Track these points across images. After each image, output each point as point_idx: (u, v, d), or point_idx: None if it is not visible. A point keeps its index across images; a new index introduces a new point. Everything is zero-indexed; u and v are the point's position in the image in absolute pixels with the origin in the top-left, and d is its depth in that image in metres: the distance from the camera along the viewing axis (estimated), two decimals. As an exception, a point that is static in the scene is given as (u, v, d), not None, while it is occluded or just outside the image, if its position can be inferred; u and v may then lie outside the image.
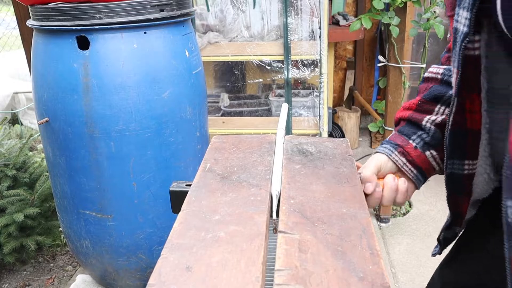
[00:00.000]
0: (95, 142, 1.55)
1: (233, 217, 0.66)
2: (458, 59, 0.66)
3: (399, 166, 0.87)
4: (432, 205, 2.75)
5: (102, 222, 1.68)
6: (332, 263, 0.55)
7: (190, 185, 0.84)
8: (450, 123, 0.73)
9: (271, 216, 0.70)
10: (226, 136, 1.01)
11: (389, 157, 0.87)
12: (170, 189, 0.88)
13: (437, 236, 0.92)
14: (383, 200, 0.85)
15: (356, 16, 3.39)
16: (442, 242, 0.90)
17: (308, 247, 0.58)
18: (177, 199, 0.86)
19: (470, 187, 0.75)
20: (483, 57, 0.64)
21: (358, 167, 0.89)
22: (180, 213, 0.68)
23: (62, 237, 2.27)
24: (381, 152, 0.89)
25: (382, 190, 0.85)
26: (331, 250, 0.58)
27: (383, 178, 0.87)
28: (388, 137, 0.92)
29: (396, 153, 0.87)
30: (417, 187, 0.90)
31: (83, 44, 1.48)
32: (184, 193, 0.82)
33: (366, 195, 0.83)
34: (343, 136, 3.23)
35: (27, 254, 2.12)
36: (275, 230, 0.66)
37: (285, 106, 1.14)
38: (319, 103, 2.35)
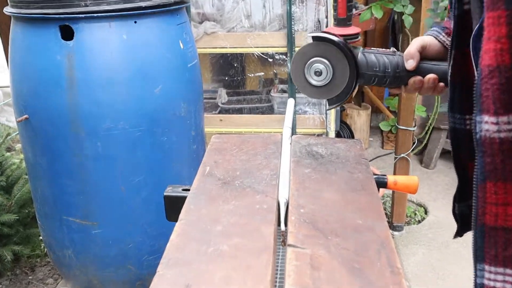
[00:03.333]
0: (80, 142, 1.54)
1: (237, 228, 0.65)
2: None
3: (447, 46, 0.90)
4: (450, 211, 2.74)
5: (87, 229, 1.66)
6: (348, 283, 0.54)
7: (186, 190, 0.83)
8: (449, 75, 0.77)
9: (279, 226, 0.69)
10: (227, 136, 1.00)
11: (436, 38, 0.92)
12: (165, 194, 0.87)
13: (453, 235, 0.92)
14: (423, 87, 0.92)
15: (366, 4, 3.38)
16: (459, 219, 0.90)
17: (321, 264, 0.57)
18: (172, 206, 0.86)
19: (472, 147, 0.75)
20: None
21: (374, 172, 0.88)
22: (177, 223, 0.67)
23: (42, 247, 2.26)
24: (428, 34, 0.94)
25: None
26: (346, 267, 0.57)
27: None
28: None
29: (443, 34, 0.91)
30: None
31: (67, 34, 1.46)
32: (180, 199, 0.80)
33: (407, 77, 0.92)
34: (352, 136, 3.22)
35: (3, 266, 2.10)
36: (284, 243, 0.64)
37: (291, 102, 1.13)
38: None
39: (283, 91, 2.64)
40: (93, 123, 1.51)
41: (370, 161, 3.32)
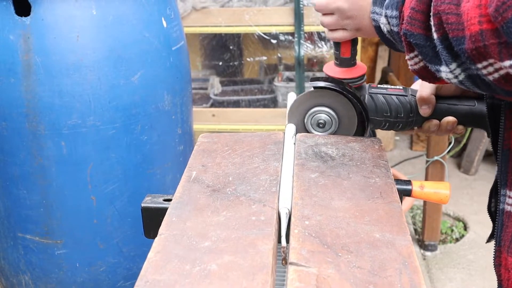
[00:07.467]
0: (40, 142, 1.55)
1: (229, 244, 0.66)
2: None
3: None
4: (494, 227, 2.75)
5: (49, 250, 1.67)
6: (361, 307, 0.56)
7: (169, 200, 0.85)
8: None
9: (279, 242, 0.70)
10: (218, 135, 1.01)
11: None
12: (142, 205, 0.88)
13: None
14: (439, 130, 0.99)
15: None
16: (495, 215, 0.94)
17: (329, 285, 0.59)
18: (151, 219, 0.87)
19: None
20: None
21: (396, 176, 0.89)
22: (156, 239, 0.69)
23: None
24: None
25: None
26: (360, 289, 0.58)
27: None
28: None
29: None
30: None
31: (23, 8, 1.48)
32: (161, 211, 0.82)
33: (421, 121, 0.98)
34: (374, 134, 3.23)
35: None
36: (285, 261, 0.66)
37: (291, 96, 1.14)
38: (342, 89, 2.35)
39: (290, 80, 2.65)
40: (55, 118, 1.52)
41: (396, 165, 3.33)
